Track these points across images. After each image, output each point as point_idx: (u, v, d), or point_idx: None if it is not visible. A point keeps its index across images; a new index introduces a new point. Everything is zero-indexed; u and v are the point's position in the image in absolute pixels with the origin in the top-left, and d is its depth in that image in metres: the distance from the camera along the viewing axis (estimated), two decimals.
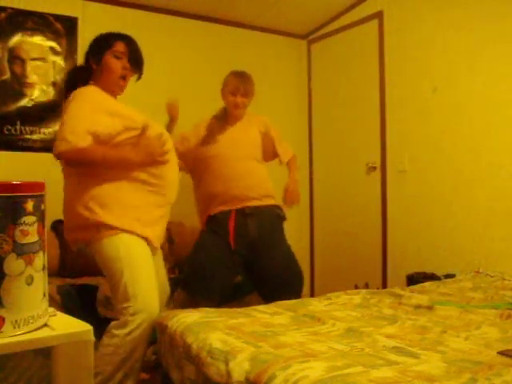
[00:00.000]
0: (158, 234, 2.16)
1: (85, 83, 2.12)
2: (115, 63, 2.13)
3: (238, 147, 2.81)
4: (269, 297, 2.60)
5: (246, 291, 3.12)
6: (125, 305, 1.96)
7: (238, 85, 2.82)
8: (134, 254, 2.03)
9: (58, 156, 1.97)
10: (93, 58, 2.16)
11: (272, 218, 2.85)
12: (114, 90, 2.16)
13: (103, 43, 2.15)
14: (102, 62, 2.13)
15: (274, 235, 2.82)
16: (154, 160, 2.06)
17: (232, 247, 2.73)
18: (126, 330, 1.94)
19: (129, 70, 2.17)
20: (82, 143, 1.93)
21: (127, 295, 1.97)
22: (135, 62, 2.18)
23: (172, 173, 2.17)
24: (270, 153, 2.96)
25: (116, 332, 1.94)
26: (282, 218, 2.91)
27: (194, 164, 2.83)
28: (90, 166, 2.01)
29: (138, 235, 2.05)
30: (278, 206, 2.88)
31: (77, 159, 1.97)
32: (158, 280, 2.12)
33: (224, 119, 2.89)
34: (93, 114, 1.99)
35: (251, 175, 2.80)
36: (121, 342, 1.93)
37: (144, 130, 2.06)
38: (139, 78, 2.24)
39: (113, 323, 1.99)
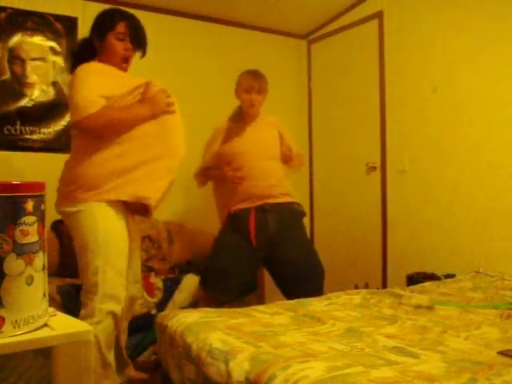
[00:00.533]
0: (157, 189, 2.14)
1: (89, 59, 2.18)
2: (117, 45, 2.17)
3: (259, 146, 2.84)
4: (290, 293, 2.67)
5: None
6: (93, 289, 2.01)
7: (252, 82, 2.83)
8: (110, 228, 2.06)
9: (77, 125, 2.02)
10: (96, 37, 2.20)
11: (291, 213, 2.87)
12: (115, 67, 2.20)
13: (106, 24, 2.18)
14: (105, 42, 2.17)
15: (293, 231, 2.85)
16: (162, 110, 2.12)
17: (253, 244, 2.76)
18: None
19: (131, 50, 2.21)
20: (95, 108, 1.98)
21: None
22: (137, 41, 2.22)
23: (177, 126, 2.21)
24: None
25: None
26: (302, 214, 2.95)
27: (217, 163, 2.85)
28: (104, 133, 2.04)
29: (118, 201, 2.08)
30: (296, 203, 2.91)
31: (94, 125, 2.01)
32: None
33: (240, 119, 2.90)
34: (99, 80, 2.05)
35: (271, 174, 2.82)
36: None
37: (148, 85, 2.13)
38: (143, 55, 2.28)
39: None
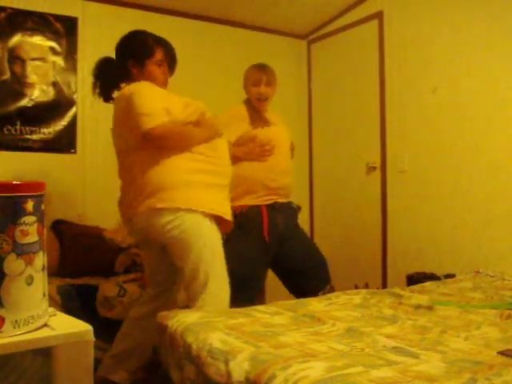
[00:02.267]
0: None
1: (118, 82, 2.24)
2: (158, 71, 2.26)
3: (282, 143, 2.83)
4: (297, 288, 2.70)
5: None
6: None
7: (260, 75, 2.79)
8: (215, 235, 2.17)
9: (146, 134, 2.02)
10: (134, 63, 2.24)
11: (293, 211, 2.89)
12: None
13: (145, 51, 2.24)
14: (145, 70, 2.24)
15: (295, 228, 2.88)
16: (217, 134, 2.20)
17: (267, 242, 2.70)
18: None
19: (167, 74, 2.31)
20: (162, 119, 2.03)
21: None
22: (173, 65, 2.32)
23: (224, 147, 2.28)
24: None
25: None
26: (299, 210, 2.95)
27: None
28: (169, 145, 2.08)
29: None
30: (291, 201, 2.91)
31: (162, 135, 2.03)
32: None
33: (256, 112, 2.83)
34: (160, 95, 2.12)
35: (288, 174, 2.83)
36: None
37: (204, 112, 2.22)
38: (171, 75, 2.37)
39: None
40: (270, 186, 2.73)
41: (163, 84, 2.28)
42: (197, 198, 2.10)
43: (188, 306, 2.23)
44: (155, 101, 2.08)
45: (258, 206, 2.70)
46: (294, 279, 2.82)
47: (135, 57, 2.24)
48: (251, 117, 2.79)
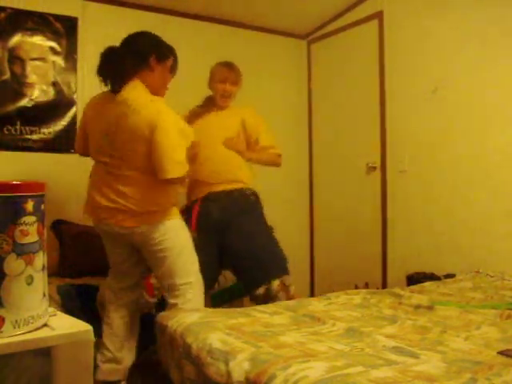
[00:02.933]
0: None
1: (129, 72, 2.24)
2: (168, 75, 2.36)
3: (211, 133, 2.76)
4: (243, 276, 2.75)
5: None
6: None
7: (227, 73, 2.82)
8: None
9: (172, 180, 2.18)
10: (157, 60, 2.28)
11: (239, 199, 2.78)
12: (157, 95, 2.29)
13: (165, 52, 2.32)
14: (164, 69, 2.31)
15: (242, 216, 2.75)
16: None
17: (193, 230, 2.63)
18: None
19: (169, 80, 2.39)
20: (184, 170, 2.18)
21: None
22: (175, 71, 2.42)
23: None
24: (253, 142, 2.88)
25: None
26: (253, 201, 2.82)
27: None
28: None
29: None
30: (249, 189, 2.81)
31: (176, 183, 2.26)
32: None
33: (206, 108, 2.87)
34: (183, 133, 2.22)
35: (219, 161, 2.76)
36: None
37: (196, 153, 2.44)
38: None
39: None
40: (200, 179, 2.72)
41: (165, 89, 2.36)
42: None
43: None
44: (183, 143, 2.19)
45: (196, 201, 2.78)
46: (239, 268, 2.78)
47: (158, 54, 2.28)
48: (191, 113, 2.85)
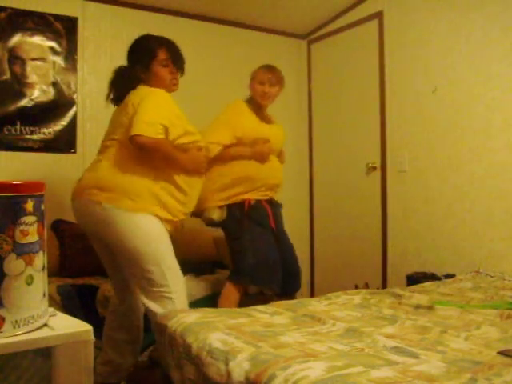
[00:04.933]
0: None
1: (136, 84, 2.24)
2: (164, 71, 2.27)
3: (279, 143, 2.92)
4: (286, 284, 2.75)
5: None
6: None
7: (267, 74, 2.85)
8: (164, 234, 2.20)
9: (135, 138, 2.05)
10: (141, 68, 2.26)
11: (280, 209, 2.96)
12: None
13: (147, 53, 2.26)
14: (151, 72, 2.26)
15: (283, 225, 2.95)
16: (198, 170, 2.25)
17: (274, 230, 2.80)
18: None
19: (175, 73, 2.31)
20: (158, 135, 2.06)
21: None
22: (179, 63, 2.33)
23: (199, 186, 2.32)
24: None
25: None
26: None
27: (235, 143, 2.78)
28: (151, 157, 2.12)
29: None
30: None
31: (152, 147, 2.08)
32: None
33: (256, 110, 2.87)
34: (168, 112, 2.14)
35: (279, 171, 2.90)
36: None
37: (200, 148, 2.26)
38: (182, 74, 2.38)
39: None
40: (270, 184, 2.82)
41: (172, 84, 2.30)
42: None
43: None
44: (160, 115, 2.11)
45: (260, 201, 2.80)
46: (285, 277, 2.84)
47: (140, 61, 2.26)
48: (257, 113, 2.86)
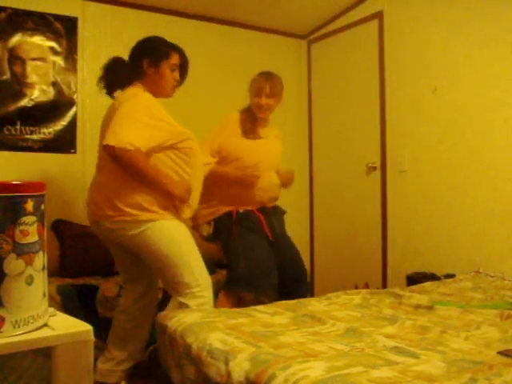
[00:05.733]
0: None
1: (130, 80, 2.26)
2: (170, 75, 2.31)
3: (272, 159, 2.84)
4: (289, 291, 2.69)
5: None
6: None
7: (263, 84, 2.75)
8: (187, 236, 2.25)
9: (107, 148, 2.03)
10: (150, 63, 2.27)
11: (282, 215, 2.93)
12: (163, 96, 2.31)
13: (161, 52, 2.29)
14: (159, 71, 2.28)
15: (285, 230, 2.92)
16: (184, 199, 2.20)
17: (271, 240, 2.75)
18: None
19: (177, 81, 2.35)
20: (131, 147, 2.02)
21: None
22: (184, 73, 2.38)
23: (195, 181, 2.27)
24: None
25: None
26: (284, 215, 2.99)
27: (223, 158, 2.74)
28: (127, 171, 2.10)
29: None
30: (278, 205, 2.95)
31: (126, 161, 2.04)
32: None
33: (252, 122, 2.80)
34: (146, 121, 2.11)
35: (275, 186, 2.84)
36: None
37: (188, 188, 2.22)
38: (181, 84, 2.41)
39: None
40: (259, 200, 2.76)
41: (171, 90, 2.34)
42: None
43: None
44: (136, 124, 2.07)
45: (252, 210, 2.75)
46: (287, 284, 2.79)
47: (152, 57, 2.27)
48: (244, 127, 2.77)
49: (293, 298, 2.69)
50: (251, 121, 2.80)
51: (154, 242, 2.15)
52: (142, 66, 2.28)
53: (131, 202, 2.12)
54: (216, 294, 2.96)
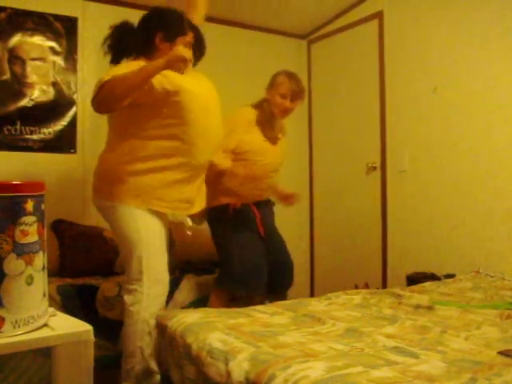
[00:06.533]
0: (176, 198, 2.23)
1: (138, 51, 2.19)
2: (183, 52, 2.08)
3: (277, 161, 2.81)
4: (277, 281, 2.73)
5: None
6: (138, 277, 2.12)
7: (292, 86, 2.67)
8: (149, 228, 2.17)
9: (92, 103, 2.00)
10: (164, 38, 2.17)
11: (272, 206, 2.92)
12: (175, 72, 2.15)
13: (179, 28, 2.18)
14: (173, 46, 2.12)
15: (274, 222, 2.92)
16: (169, 64, 1.97)
17: (262, 235, 2.73)
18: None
19: (190, 60, 2.18)
20: (108, 77, 1.96)
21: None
22: (199, 53, 2.30)
23: (199, 137, 2.18)
24: None
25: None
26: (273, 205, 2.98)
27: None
28: (111, 97, 1.97)
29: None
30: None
31: (106, 89, 1.94)
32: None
33: (268, 120, 2.73)
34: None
35: (269, 185, 2.84)
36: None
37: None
38: (196, 64, 2.33)
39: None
40: (255, 195, 2.76)
41: (182, 68, 2.14)
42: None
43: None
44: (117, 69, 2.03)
45: (248, 204, 2.72)
46: (277, 273, 2.79)
47: (167, 30, 2.17)
48: (262, 127, 2.70)
49: (275, 290, 2.71)
50: (268, 121, 2.72)
51: (117, 220, 2.16)
52: (154, 39, 2.17)
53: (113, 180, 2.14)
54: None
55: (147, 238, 2.15)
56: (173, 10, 2.24)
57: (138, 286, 2.12)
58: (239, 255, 2.63)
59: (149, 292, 2.12)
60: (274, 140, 2.76)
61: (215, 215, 2.71)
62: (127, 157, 2.13)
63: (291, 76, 2.73)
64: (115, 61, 2.22)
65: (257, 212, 2.74)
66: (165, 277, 2.20)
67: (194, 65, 2.31)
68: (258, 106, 2.75)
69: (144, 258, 2.13)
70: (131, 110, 2.09)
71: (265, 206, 2.84)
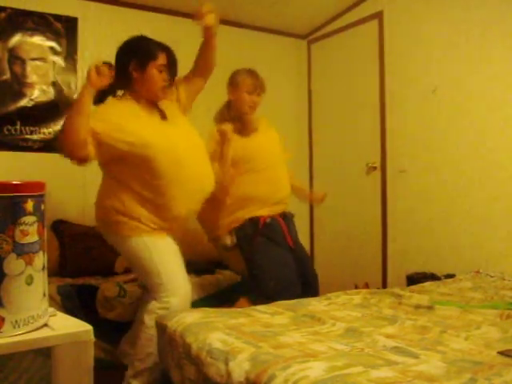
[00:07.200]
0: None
1: (119, 87, 2.24)
2: (158, 76, 2.22)
3: (274, 150, 2.77)
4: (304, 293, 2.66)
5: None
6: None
7: (255, 83, 2.69)
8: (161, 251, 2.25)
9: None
10: (136, 66, 2.21)
11: (293, 219, 2.88)
12: (153, 99, 2.26)
13: (148, 54, 2.22)
14: (146, 73, 2.20)
15: (297, 234, 2.88)
16: (89, 82, 2.02)
17: (293, 250, 2.70)
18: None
19: (167, 81, 2.26)
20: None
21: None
22: (173, 72, 2.30)
23: (175, 189, 2.21)
24: None
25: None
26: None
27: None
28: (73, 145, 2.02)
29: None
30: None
31: (62, 132, 2.08)
32: None
33: (238, 122, 2.70)
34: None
35: (287, 179, 2.79)
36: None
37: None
38: (171, 84, 2.33)
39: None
40: (275, 198, 2.70)
41: (160, 92, 2.25)
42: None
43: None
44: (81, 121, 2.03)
45: (275, 218, 2.69)
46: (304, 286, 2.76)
47: (138, 58, 2.20)
48: (238, 130, 2.68)
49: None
50: (238, 119, 2.70)
51: (128, 252, 2.29)
52: (128, 69, 2.20)
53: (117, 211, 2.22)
54: (216, 294, 2.96)
55: (160, 260, 2.22)
56: (140, 36, 2.27)
57: (166, 297, 2.19)
58: (270, 271, 2.57)
59: (168, 306, 2.17)
60: (253, 133, 2.72)
61: (241, 231, 2.67)
62: (122, 207, 2.21)
63: (250, 72, 2.75)
64: (98, 101, 2.20)
65: (283, 225, 2.71)
66: (185, 291, 2.25)
67: (170, 84, 2.31)
68: (224, 108, 2.78)
69: (163, 273, 2.20)
70: (116, 164, 2.20)
71: (289, 219, 2.80)
